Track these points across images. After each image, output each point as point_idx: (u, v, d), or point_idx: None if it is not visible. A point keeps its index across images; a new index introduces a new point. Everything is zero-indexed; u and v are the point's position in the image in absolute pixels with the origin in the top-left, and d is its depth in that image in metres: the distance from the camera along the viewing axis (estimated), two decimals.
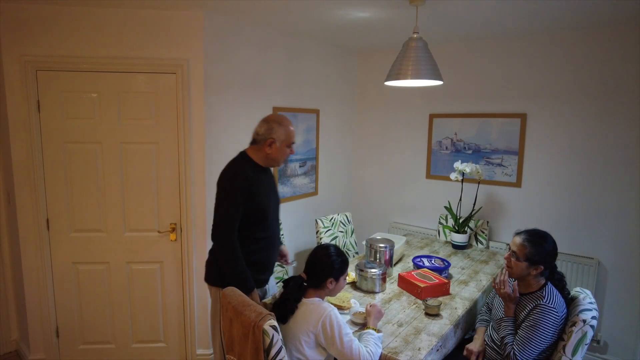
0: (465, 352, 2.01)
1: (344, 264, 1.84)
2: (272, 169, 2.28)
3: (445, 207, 3.38)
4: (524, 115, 3.12)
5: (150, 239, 2.71)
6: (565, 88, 2.94)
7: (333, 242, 3.31)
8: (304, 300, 1.79)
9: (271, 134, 1.97)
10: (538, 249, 1.84)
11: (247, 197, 1.95)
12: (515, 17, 2.55)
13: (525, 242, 1.87)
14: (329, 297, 2.18)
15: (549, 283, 1.88)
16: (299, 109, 3.37)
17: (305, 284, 1.82)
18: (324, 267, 1.79)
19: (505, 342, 1.84)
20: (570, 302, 1.94)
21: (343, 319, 1.74)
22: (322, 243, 1.94)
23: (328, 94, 3.70)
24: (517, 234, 1.94)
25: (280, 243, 2.34)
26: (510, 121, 3.18)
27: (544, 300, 1.79)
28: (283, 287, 1.86)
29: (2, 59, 2.44)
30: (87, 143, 2.58)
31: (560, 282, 1.92)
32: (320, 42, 3.45)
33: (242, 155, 2.07)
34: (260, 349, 1.62)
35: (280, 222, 2.37)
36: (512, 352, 1.80)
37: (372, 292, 2.34)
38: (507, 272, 1.94)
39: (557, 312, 1.77)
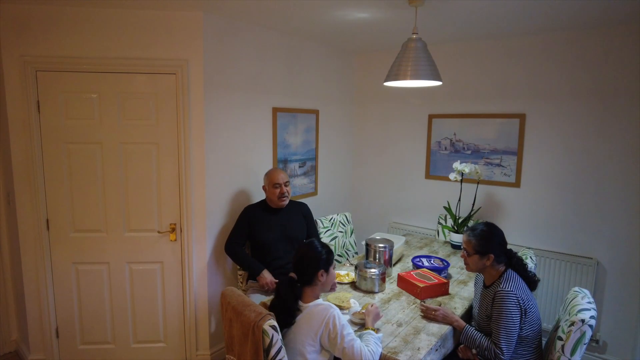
0: (460, 355, 2.01)
1: (330, 253, 1.85)
2: (293, 210, 2.84)
3: (445, 207, 3.39)
4: (522, 115, 3.13)
5: (150, 239, 2.72)
6: (564, 88, 2.95)
7: (332, 243, 3.31)
8: (305, 304, 1.78)
9: (264, 183, 2.77)
10: (481, 239, 1.95)
11: (246, 226, 2.70)
12: (514, 17, 2.56)
13: (470, 237, 1.99)
14: (328, 297, 2.19)
15: (508, 270, 1.94)
16: (298, 110, 3.37)
17: (298, 284, 1.81)
18: (311, 260, 1.79)
19: (484, 347, 1.87)
20: (536, 281, 1.98)
21: (345, 319, 1.75)
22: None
23: (327, 95, 3.70)
24: (465, 232, 2.04)
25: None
26: (509, 121, 3.19)
27: (501, 286, 1.86)
28: (275, 291, 1.85)
29: (2, 59, 2.44)
30: (87, 143, 2.58)
31: (520, 266, 1.97)
32: (320, 42, 3.45)
33: (265, 198, 2.81)
34: (259, 349, 1.63)
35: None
36: (491, 348, 1.83)
37: (371, 292, 2.34)
38: (424, 306, 2.07)
39: (515, 294, 1.82)
